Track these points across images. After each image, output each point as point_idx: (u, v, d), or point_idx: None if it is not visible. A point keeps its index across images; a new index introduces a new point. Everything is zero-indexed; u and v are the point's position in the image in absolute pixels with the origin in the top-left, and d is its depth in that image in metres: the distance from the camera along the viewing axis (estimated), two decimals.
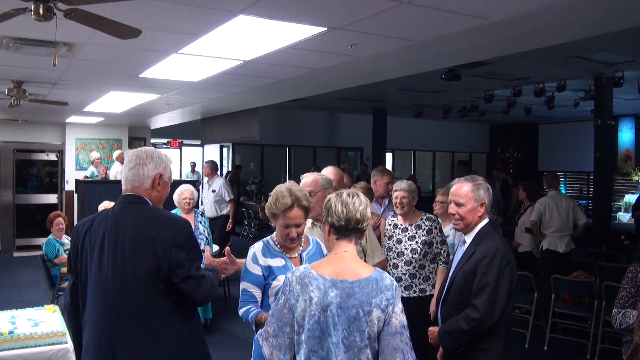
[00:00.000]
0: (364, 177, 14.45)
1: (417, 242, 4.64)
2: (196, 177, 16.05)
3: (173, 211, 5.93)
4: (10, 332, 4.03)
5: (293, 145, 18.88)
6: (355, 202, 2.46)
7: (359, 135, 18.50)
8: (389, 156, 19.18)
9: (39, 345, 4.02)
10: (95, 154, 12.01)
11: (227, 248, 3.22)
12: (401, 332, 2.33)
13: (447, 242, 4.77)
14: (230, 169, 17.46)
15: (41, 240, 7.85)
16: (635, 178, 15.86)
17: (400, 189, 4.77)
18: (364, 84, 7.56)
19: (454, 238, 4.98)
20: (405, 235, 4.70)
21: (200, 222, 6.44)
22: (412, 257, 4.62)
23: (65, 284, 6.88)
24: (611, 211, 11.71)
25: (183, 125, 14.39)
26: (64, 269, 6.85)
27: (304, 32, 4.47)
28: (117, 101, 8.83)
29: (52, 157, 13.24)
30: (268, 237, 3.18)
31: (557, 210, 7.30)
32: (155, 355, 2.57)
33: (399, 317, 2.34)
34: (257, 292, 3.00)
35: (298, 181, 3.69)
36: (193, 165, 17.01)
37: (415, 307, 4.52)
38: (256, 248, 3.11)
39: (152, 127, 14.37)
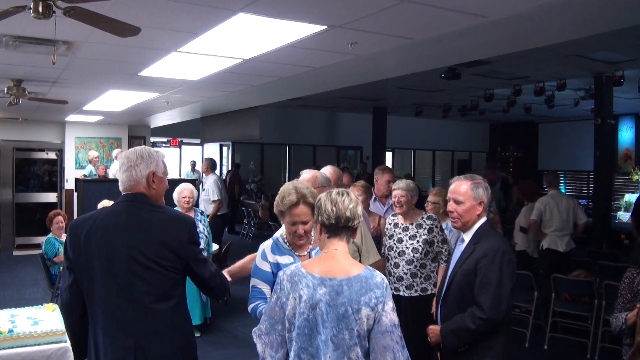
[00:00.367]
0: (364, 176, 14.45)
1: (418, 241, 4.64)
2: (196, 175, 16.05)
3: None
4: (10, 331, 4.02)
5: (293, 144, 18.89)
6: (344, 200, 2.47)
7: (359, 134, 18.51)
8: (388, 155, 19.20)
9: (39, 344, 4.01)
10: (93, 153, 12.00)
11: (226, 271, 3.31)
12: (391, 330, 2.31)
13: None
14: (230, 168, 17.46)
15: (41, 239, 7.84)
16: (635, 177, 15.87)
17: (399, 188, 4.77)
18: (364, 82, 7.56)
19: (450, 236, 4.98)
20: (406, 235, 4.70)
21: (200, 221, 6.43)
22: (414, 256, 4.61)
23: None
24: (611, 210, 11.71)
25: (183, 123, 14.39)
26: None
27: (303, 31, 4.47)
28: (117, 100, 8.83)
29: (52, 155, 13.24)
30: (278, 235, 3.22)
31: (558, 209, 7.30)
32: (175, 342, 2.72)
33: (389, 316, 2.33)
34: (266, 289, 3.02)
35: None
36: (193, 164, 17.02)
37: (416, 307, 4.53)
38: (266, 245, 3.15)
39: (152, 126, 14.37)
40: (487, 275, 3.06)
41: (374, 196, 5.79)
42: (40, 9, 3.28)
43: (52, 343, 4.05)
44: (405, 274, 4.63)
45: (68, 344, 4.11)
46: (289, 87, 7.95)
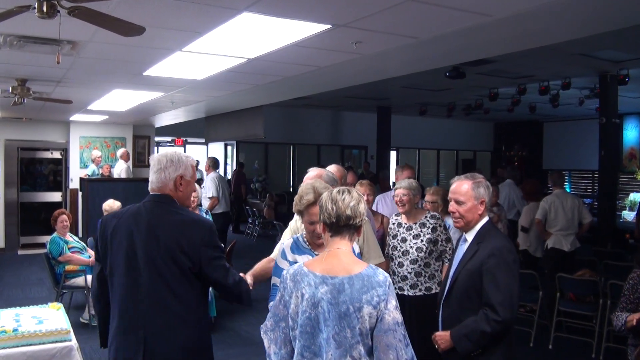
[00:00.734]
0: (368, 175, 14.45)
1: (422, 240, 4.63)
2: (199, 175, 16.07)
3: None
4: (15, 330, 4.03)
5: (297, 143, 18.90)
6: (345, 198, 2.46)
7: (363, 133, 18.50)
8: (393, 154, 19.17)
9: (43, 343, 4.02)
10: (96, 153, 12.02)
11: (241, 274, 3.33)
12: (394, 329, 2.31)
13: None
14: (234, 167, 17.47)
15: (45, 238, 7.85)
16: None
17: (400, 187, 4.78)
18: (368, 82, 7.54)
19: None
20: (410, 234, 4.69)
21: None
22: (418, 255, 4.61)
23: (70, 282, 6.94)
24: (616, 210, 11.69)
25: (187, 123, 14.40)
26: (69, 267, 6.87)
27: (308, 30, 4.46)
28: (121, 99, 8.83)
29: (57, 155, 13.26)
30: (299, 234, 3.26)
31: (563, 208, 7.29)
32: (179, 337, 2.82)
33: (392, 314, 2.32)
34: None
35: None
36: (197, 163, 17.02)
37: (421, 306, 4.52)
38: (286, 244, 3.20)
39: (157, 125, 14.38)
40: (497, 275, 3.03)
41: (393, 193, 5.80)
42: (44, 8, 3.28)
43: (56, 342, 4.06)
44: (410, 273, 4.62)
45: (73, 342, 4.13)
46: (293, 87, 7.95)
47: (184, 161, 3.00)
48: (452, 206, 3.28)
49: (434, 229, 4.66)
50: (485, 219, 3.25)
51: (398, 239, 4.73)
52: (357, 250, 3.21)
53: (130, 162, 12.40)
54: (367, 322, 2.30)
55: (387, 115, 16.69)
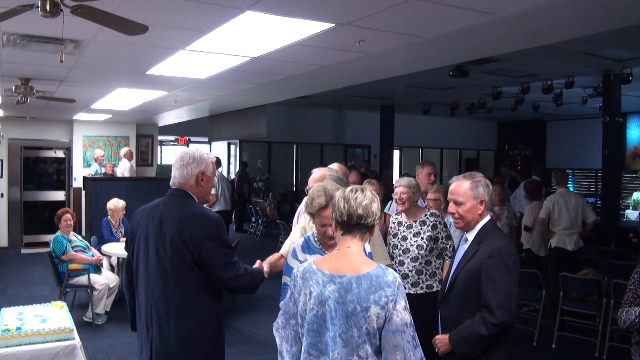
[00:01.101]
0: (371, 174, 14.43)
1: (422, 239, 4.63)
2: None
3: None
4: (18, 329, 4.04)
5: (300, 142, 18.90)
6: (357, 197, 2.43)
7: (367, 132, 18.50)
8: (396, 153, 19.16)
9: (46, 342, 4.04)
10: (98, 152, 12.01)
11: (258, 261, 3.44)
12: (402, 330, 2.28)
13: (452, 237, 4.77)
14: (237, 166, 17.48)
15: (49, 237, 7.87)
16: None
17: (400, 185, 4.78)
18: (371, 80, 7.53)
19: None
20: (410, 232, 4.69)
21: None
22: (418, 253, 4.61)
23: (73, 280, 6.96)
24: (619, 209, 11.66)
25: (190, 122, 14.40)
26: (72, 266, 6.89)
27: (311, 29, 4.46)
28: (125, 98, 8.84)
29: (60, 154, 13.29)
30: (310, 234, 3.27)
31: (566, 207, 7.28)
32: (181, 326, 2.96)
33: (400, 315, 2.29)
34: None
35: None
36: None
37: (422, 304, 4.51)
38: (297, 244, 3.23)
39: (160, 124, 14.39)
40: (496, 277, 2.99)
41: None
42: (47, 7, 3.28)
43: (59, 341, 4.07)
44: (411, 271, 4.63)
45: (76, 341, 4.14)
46: (296, 85, 7.94)
47: (205, 158, 3.17)
48: (452, 207, 3.25)
49: (434, 227, 4.66)
50: (486, 219, 3.21)
51: (398, 238, 4.74)
52: (368, 249, 3.18)
53: (133, 161, 12.42)
54: (374, 322, 2.29)
55: (391, 114, 16.68)
